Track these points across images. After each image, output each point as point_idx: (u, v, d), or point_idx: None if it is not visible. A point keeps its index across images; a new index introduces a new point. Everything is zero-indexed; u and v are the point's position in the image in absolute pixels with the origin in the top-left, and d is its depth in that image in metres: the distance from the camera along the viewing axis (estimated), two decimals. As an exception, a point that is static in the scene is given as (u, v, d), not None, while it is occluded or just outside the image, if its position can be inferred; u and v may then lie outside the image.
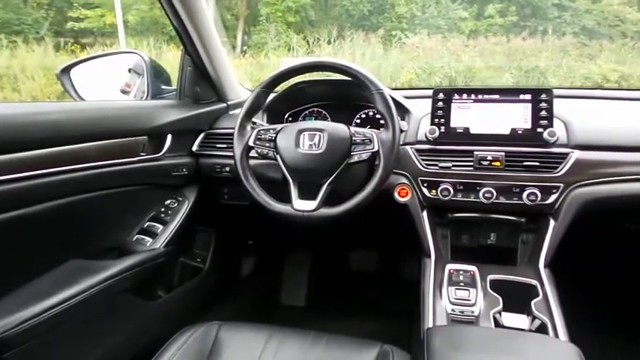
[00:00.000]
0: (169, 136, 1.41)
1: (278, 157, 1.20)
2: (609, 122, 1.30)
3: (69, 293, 1.07)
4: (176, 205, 1.48)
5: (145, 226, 1.41)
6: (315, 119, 1.59)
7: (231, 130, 1.25)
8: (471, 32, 8.53)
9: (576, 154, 1.19)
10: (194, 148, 1.52)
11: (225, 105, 1.62)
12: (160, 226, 1.41)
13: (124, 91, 1.60)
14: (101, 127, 1.20)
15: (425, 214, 1.32)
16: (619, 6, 8.35)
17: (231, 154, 1.24)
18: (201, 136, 1.54)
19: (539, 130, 1.21)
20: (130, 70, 1.60)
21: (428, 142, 1.30)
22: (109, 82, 1.62)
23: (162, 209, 1.45)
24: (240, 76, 1.84)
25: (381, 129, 1.18)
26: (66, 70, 1.53)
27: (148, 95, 1.53)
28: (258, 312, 1.97)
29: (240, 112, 1.25)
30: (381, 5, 9.72)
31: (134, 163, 1.30)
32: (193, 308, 1.68)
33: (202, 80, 1.54)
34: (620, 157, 1.20)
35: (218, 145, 1.51)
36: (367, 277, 2.18)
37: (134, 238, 1.38)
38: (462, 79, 6.11)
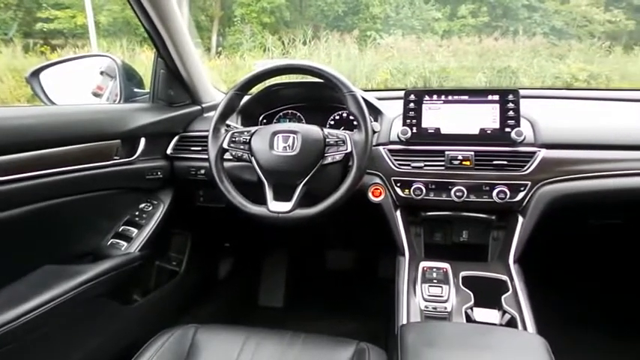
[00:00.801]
0: (143, 140, 1.40)
1: (252, 159, 1.20)
2: (575, 121, 1.35)
3: (44, 298, 1.06)
4: (151, 208, 1.47)
5: (120, 230, 1.40)
6: (289, 121, 1.60)
7: (206, 133, 1.25)
8: (444, 33, 8.61)
9: (543, 153, 1.23)
10: (168, 151, 1.52)
11: (199, 108, 1.62)
12: (135, 230, 1.40)
13: (96, 94, 1.58)
14: (73, 131, 1.19)
15: (398, 213, 1.34)
16: (587, 7, 8.55)
17: (206, 156, 1.24)
18: (176, 139, 1.53)
19: (507, 129, 1.24)
20: (102, 73, 1.58)
21: (400, 142, 1.32)
22: (81, 86, 1.60)
23: (137, 213, 1.44)
24: (215, 78, 1.84)
25: (355, 130, 1.19)
26: (35, 74, 1.50)
27: (120, 98, 1.51)
28: (235, 314, 1.97)
29: (214, 115, 1.25)
30: (355, 6, 9.75)
31: (107, 167, 1.29)
32: (170, 311, 1.67)
33: (176, 83, 1.53)
34: (585, 154, 1.24)
35: (192, 148, 1.51)
36: (344, 276, 2.20)
37: (109, 243, 1.37)
38: (436, 79, 6.18)
